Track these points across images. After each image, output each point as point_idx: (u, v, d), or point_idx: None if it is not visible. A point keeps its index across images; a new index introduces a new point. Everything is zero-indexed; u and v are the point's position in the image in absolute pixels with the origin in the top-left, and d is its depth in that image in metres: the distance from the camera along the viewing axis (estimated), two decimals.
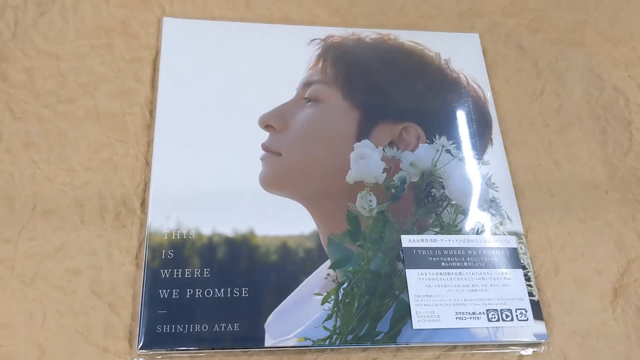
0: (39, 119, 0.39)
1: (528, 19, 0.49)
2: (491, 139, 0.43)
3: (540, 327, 0.36)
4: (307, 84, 0.41)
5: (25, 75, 0.40)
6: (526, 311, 0.36)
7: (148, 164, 0.39)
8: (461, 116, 0.43)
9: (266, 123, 0.39)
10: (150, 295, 0.33)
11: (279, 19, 0.45)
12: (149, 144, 0.39)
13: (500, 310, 0.36)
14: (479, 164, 0.41)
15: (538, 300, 0.37)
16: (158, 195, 0.36)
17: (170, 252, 0.35)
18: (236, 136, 0.39)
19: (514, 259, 0.38)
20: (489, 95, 0.44)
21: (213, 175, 0.37)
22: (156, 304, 0.33)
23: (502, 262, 0.38)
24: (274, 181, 0.37)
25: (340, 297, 0.35)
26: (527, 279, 0.38)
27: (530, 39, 0.48)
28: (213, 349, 0.33)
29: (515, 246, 0.39)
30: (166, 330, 0.33)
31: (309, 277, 0.35)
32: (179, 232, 0.35)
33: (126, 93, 0.40)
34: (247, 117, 0.39)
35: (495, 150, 0.42)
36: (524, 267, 0.38)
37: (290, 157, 0.38)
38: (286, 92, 0.41)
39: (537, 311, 0.37)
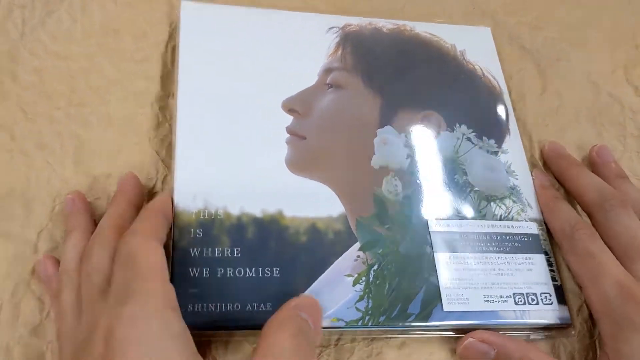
0: (51, 120, 0.38)
1: (531, 17, 0.51)
2: (509, 129, 0.43)
3: (564, 311, 0.36)
4: (327, 71, 0.40)
5: (35, 76, 0.39)
6: (550, 295, 0.36)
7: (163, 162, 0.37)
8: (479, 106, 0.43)
9: (289, 107, 0.38)
10: (180, 273, 0.32)
11: (297, 7, 0.45)
12: (164, 140, 0.38)
13: (526, 294, 0.36)
14: (498, 152, 0.41)
15: (560, 285, 0.37)
16: (183, 175, 0.35)
17: (199, 230, 0.33)
18: (259, 119, 0.38)
19: (537, 245, 0.38)
20: (503, 86, 0.44)
21: (238, 157, 0.36)
22: (187, 283, 0.32)
23: (525, 248, 0.38)
24: (299, 164, 0.37)
25: (371, 279, 0.34)
26: (549, 264, 0.38)
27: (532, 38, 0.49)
28: (247, 328, 0.32)
29: (537, 232, 0.39)
30: (198, 309, 0.31)
31: (339, 258, 0.34)
32: (206, 211, 0.34)
33: (136, 93, 0.39)
34: (269, 100, 0.39)
35: (513, 140, 0.42)
36: (545, 253, 0.38)
37: (314, 141, 0.38)
38: (308, 78, 0.40)
39: (560, 295, 0.37)
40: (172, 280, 0.31)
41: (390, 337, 0.35)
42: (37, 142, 0.37)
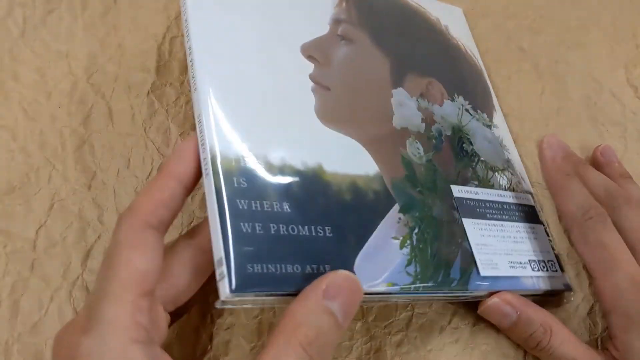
0: (53, 119, 0.38)
1: (530, 19, 0.51)
2: (494, 105, 0.43)
3: (565, 278, 0.37)
4: (336, 22, 0.38)
5: (36, 74, 0.39)
6: (554, 263, 0.37)
7: (162, 154, 0.37)
8: (469, 80, 0.43)
9: (308, 53, 0.36)
10: (232, 228, 0.27)
11: None
12: (165, 131, 0.38)
13: (538, 261, 0.36)
14: (491, 126, 0.42)
15: (558, 254, 0.38)
16: (214, 118, 0.30)
17: (243, 180, 0.29)
18: (281, 66, 0.35)
19: (536, 216, 0.39)
20: (482, 66, 0.44)
21: (268, 105, 0.33)
22: (241, 240, 0.27)
23: (529, 218, 0.38)
24: (328, 115, 0.34)
25: (414, 243, 0.32)
26: (547, 234, 0.38)
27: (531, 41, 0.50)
28: None
29: (533, 204, 0.39)
30: (258, 270, 0.27)
31: (384, 219, 0.32)
32: (247, 159, 0.30)
33: (133, 86, 0.40)
34: (288, 47, 0.36)
35: (499, 117, 0.43)
36: (542, 224, 0.39)
37: (338, 93, 0.35)
38: (319, 26, 0.38)
39: (559, 263, 0.37)
40: (223, 235, 0.27)
41: (432, 302, 0.36)
42: (38, 140, 0.37)
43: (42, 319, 0.32)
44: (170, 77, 0.40)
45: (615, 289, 0.33)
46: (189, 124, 0.39)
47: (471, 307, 0.37)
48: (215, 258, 0.27)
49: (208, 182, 0.29)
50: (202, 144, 0.30)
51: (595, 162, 0.43)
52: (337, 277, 0.27)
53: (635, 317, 0.32)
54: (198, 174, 0.29)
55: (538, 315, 0.34)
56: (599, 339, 0.37)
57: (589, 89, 0.48)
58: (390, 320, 0.36)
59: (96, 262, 0.34)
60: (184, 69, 0.41)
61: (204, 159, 0.29)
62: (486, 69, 0.46)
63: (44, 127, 0.37)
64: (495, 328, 0.36)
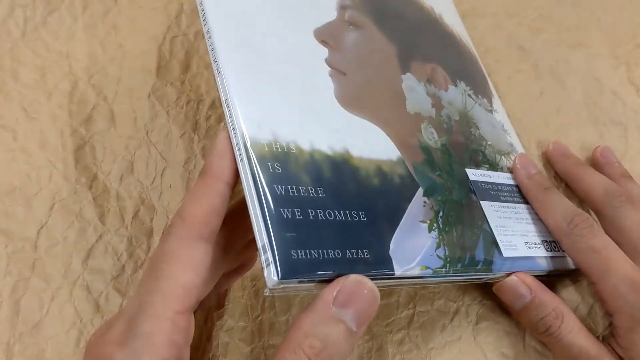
0: (53, 119, 0.38)
1: (530, 19, 0.51)
2: (492, 92, 0.43)
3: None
4: (342, 7, 0.38)
5: (37, 74, 0.39)
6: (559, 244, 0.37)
7: (165, 158, 0.38)
8: (467, 65, 0.43)
9: (322, 38, 0.35)
10: (273, 215, 0.27)
11: None
12: (167, 134, 0.39)
13: (550, 241, 0.36)
14: (492, 111, 0.42)
15: None
16: (242, 102, 0.30)
17: (277, 165, 0.28)
18: (299, 51, 0.34)
19: None
20: (476, 53, 0.44)
21: (290, 90, 0.32)
22: (283, 226, 0.27)
23: None
24: (346, 100, 0.33)
25: (441, 226, 0.32)
26: None
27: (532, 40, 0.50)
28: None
29: None
30: (302, 256, 0.26)
31: (411, 203, 0.32)
32: (278, 143, 0.29)
33: (134, 88, 0.40)
34: (303, 32, 0.35)
35: (497, 102, 0.43)
36: None
37: (354, 78, 0.35)
38: (327, 12, 0.37)
39: None
40: (264, 221, 0.26)
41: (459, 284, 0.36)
42: (38, 140, 0.37)
43: (43, 318, 0.32)
44: (170, 77, 0.40)
45: (615, 291, 0.33)
46: (190, 125, 0.39)
47: (473, 305, 0.37)
48: (259, 244, 0.26)
49: (243, 167, 0.28)
50: (233, 129, 0.29)
51: (595, 163, 0.42)
52: (348, 283, 0.26)
53: (639, 316, 0.32)
54: (235, 167, 0.29)
55: (552, 300, 0.34)
56: (600, 337, 0.37)
57: (589, 88, 0.48)
58: (392, 319, 0.36)
59: (97, 262, 0.34)
60: (185, 68, 0.41)
61: (236, 144, 0.29)
62: (486, 69, 0.46)
63: (44, 127, 0.37)
64: (496, 327, 0.36)
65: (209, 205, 0.27)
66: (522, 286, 0.34)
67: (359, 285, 0.26)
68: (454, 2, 0.49)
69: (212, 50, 0.31)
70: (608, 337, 0.35)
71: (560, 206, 0.36)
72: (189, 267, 0.25)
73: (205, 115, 0.40)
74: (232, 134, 0.29)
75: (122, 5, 0.43)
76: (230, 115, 0.29)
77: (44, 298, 0.33)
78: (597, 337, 0.36)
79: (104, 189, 0.36)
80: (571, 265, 0.36)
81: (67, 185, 0.36)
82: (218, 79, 0.31)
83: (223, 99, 0.30)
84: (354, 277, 0.26)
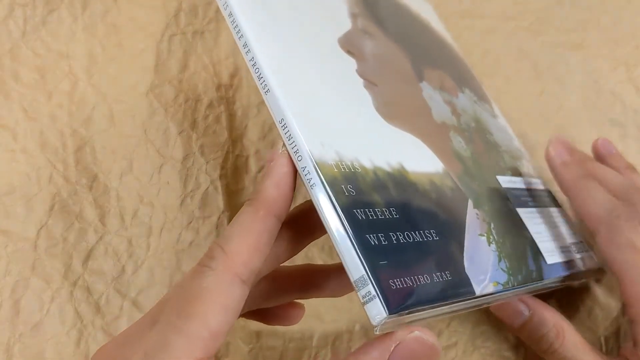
0: (54, 119, 0.38)
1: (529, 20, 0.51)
2: (489, 97, 0.42)
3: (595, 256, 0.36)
4: (354, 15, 0.35)
5: (37, 74, 0.39)
6: (584, 243, 0.36)
7: (162, 155, 0.38)
8: (464, 73, 0.42)
9: (346, 48, 0.33)
10: (362, 243, 0.24)
11: None
12: (165, 132, 0.38)
13: (575, 243, 0.36)
14: (496, 117, 0.41)
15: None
16: (301, 118, 0.27)
17: (350, 187, 0.26)
18: (332, 62, 0.31)
19: (555, 199, 0.38)
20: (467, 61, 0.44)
21: (335, 104, 0.29)
22: (373, 254, 0.24)
23: (553, 202, 0.38)
24: (387, 111, 0.31)
25: (496, 238, 0.30)
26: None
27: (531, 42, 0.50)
28: (443, 303, 0.26)
29: (549, 189, 0.39)
30: (398, 285, 0.24)
31: (467, 216, 0.30)
32: (344, 163, 0.26)
33: (133, 86, 0.40)
34: (330, 42, 0.33)
35: (496, 107, 0.42)
36: (561, 206, 0.38)
37: (384, 88, 0.33)
38: (343, 21, 0.35)
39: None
40: (357, 253, 0.24)
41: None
42: (38, 140, 0.37)
43: (43, 319, 0.32)
44: (168, 75, 0.40)
45: None
46: (188, 123, 0.39)
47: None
48: (353, 278, 0.24)
49: (318, 194, 0.25)
50: (296, 152, 0.26)
51: (596, 155, 0.40)
52: (408, 340, 0.23)
53: None
54: (291, 198, 0.26)
55: (552, 316, 0.33)
56: (601, 338, 0.37)
57: (589, 88, 0.48)
58: None
59: (97, 263, 0.35)
60: (183, 67, 0.41)
61: (304, 168, 0.25)
62: (486, 70, 0.46)
63: (44, 127, 0.37)
64: (494, 331, 0.36)
65: (255, 243, 0.24)
66: (519, 303, 0.33)
67: (419, 343, 0.24)
68: (453, 2, 0.49)
69: (253, 65, 0.28)
70: (623, 343, 0.34)
71: (600, 197, 0.34)
72: (222, 311, 0.23)
73: (203, 115, 0.40)
74: (294, 157, 0.26)
75: (121, 4, 0.42)
76: (289, 136, 0.26)
77: (44, 298, 0.33)
78: (598, 338, 0.36)
79: (105, 190, 0.36)
80: (596, 264, 0.36)
81: (67, 186, 0.36)
82: (267, 97, 0.27)
83: (277, 119, 0.27)
84: (415, 334, 0.24)
